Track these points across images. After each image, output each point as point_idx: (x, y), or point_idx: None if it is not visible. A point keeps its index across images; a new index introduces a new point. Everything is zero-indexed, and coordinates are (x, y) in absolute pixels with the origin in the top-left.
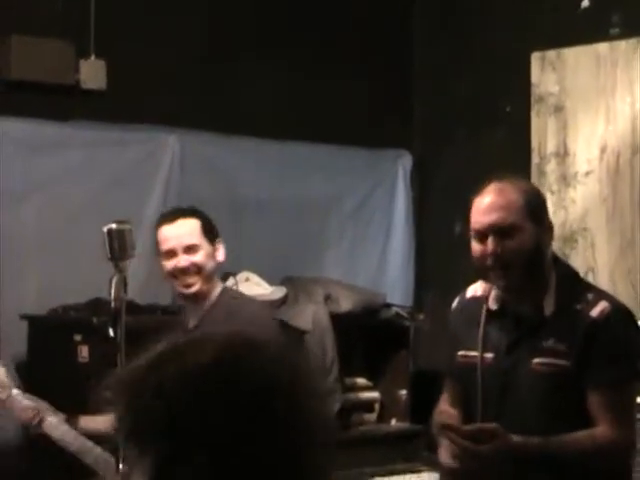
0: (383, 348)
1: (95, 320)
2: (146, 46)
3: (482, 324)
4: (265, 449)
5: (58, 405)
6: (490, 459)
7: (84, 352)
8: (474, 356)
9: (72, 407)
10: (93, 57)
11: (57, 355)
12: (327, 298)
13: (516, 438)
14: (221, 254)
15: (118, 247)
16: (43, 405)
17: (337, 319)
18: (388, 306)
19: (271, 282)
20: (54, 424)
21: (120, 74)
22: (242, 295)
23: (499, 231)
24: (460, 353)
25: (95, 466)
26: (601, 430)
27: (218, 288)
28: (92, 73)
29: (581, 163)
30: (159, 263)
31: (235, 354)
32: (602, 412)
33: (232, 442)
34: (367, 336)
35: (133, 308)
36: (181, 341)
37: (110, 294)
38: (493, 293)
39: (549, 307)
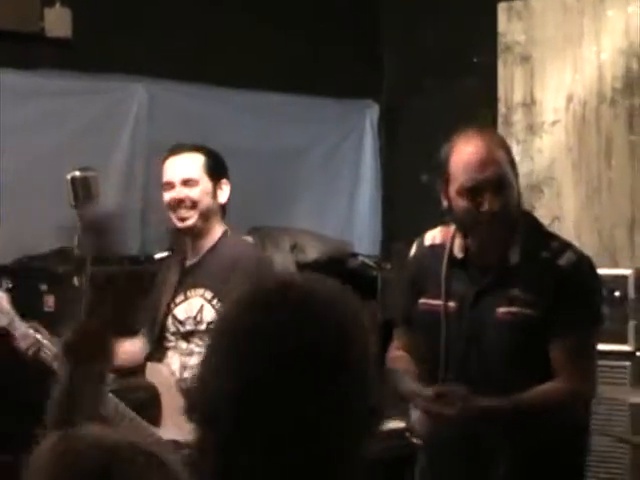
0: None
1: (61, 270)
2: None
3: (444, 272)
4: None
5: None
6: (456, 421)
7: (50, 302)
8: (437, 304)
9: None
10: (58, 5)
11: (23, 305)
12: (293, 247)
13: (484, 401)
14: (224, 195)
15: (82, 195)
16: (42, 332)
17: (304, 268)
18: (355, 256)
19: (239, 231)
20: (51, 354)
21: (86, 22)
22: (243, 239)
23: (494, 186)
24: (421, 301)
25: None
26: (565, 383)
27: (219, 229)
28: (57, 21)
29: (548, 112)
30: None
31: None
32: (566, 363)
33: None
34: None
35: (100, 257)
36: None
37: (74, 243)
38: (457, 242)
39: (515, 256)
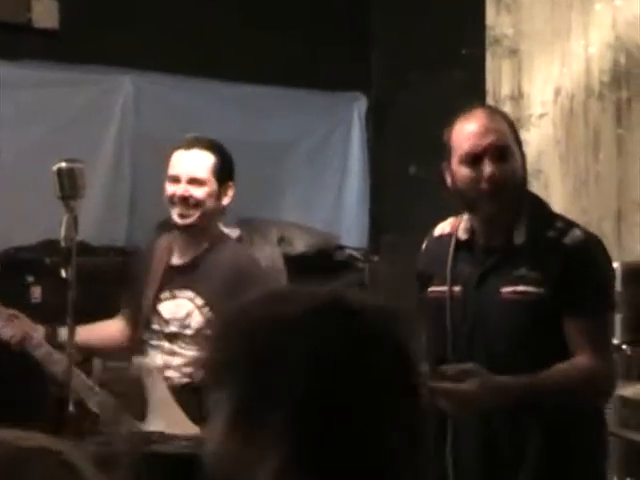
0: None
1: (48, 261)
2: None
3: (450, 257)
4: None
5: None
6: (469, 398)
7: (36, 293)
8: (443, 291)
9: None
10: None
11: (9, 296)
12: (281, 240)
13: (500, 378)
14: (228, 199)
15: (68, 186)
16: (23, 319)
17: (291, 261)
18: (342, 248)
19: (227, 224)
20: (37, 343)
21: (73, 13)
22: (238, 247)
23: (496, 153)
24: (430, 289)
25: (77, 389)
26: (583, 361)
27: (216, 231)
28: (44, 12)
29: (535, 106)
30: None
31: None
32: (583, 342)
33: (318, 398)
34: (322, 278)
35: (87, 249)
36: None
37: (61, 234)
38: (463, 225)
39: (520, 236)
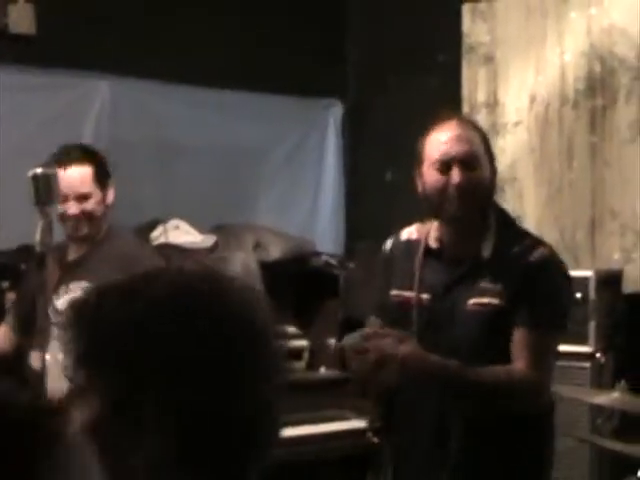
0: (313, 296)
1: (23, 266)
2: None
3: (419, 264)
4: (223, 390)
5: None
6: (396, 361)
7: (11, 299)
8: (409, 296)
9: None
10: (22, 1)
11: None
12: (257, 246)
13: (430, 355)
14: (111, 197)
15: (44, 192)
16: None
17: (266, 267)
18: (318, 254)
19: (202, 230)
20: None
21: (50, 18)
22: (126, 234)
23: (464, 162)
24: (393, 293)
25: None
26: (516, 367)
27: (106, 227)
28: (21, 17)
29: (510, 113)
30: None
31: (202, 289)
32: (521, 351)
33: (188, 381)
34: (297, 284)
35: None
36: (146, 273)
37: (36, 240)
38: (433, 234)
39: (487, 250)
